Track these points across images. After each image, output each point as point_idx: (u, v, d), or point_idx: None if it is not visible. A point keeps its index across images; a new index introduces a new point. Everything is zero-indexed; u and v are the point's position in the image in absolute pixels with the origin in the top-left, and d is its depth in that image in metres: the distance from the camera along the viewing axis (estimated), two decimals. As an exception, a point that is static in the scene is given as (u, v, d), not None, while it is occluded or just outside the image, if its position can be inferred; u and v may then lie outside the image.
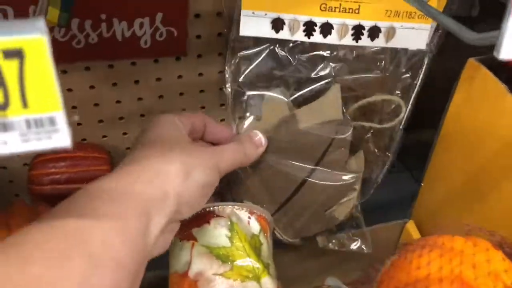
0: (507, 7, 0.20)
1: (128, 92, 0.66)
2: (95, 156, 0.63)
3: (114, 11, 0.57)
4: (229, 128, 0.51)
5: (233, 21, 0.48)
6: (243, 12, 0.43)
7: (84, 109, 0.65)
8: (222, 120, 0.73)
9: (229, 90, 0.52)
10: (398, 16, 0.41)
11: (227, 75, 0.51)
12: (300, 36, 0.44)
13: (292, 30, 0.44)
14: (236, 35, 0.46)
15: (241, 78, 0.50)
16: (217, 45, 0.65)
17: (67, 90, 0.63)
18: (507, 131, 0.41)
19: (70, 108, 0.64)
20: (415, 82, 0.46)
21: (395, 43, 0.43)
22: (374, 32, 0.43)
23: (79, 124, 0.66)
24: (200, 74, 0.67)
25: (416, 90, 0.46)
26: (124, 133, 0.70)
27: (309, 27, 0.43)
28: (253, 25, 0.44)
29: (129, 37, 0.59)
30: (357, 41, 0.44)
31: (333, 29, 0.43)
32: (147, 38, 0.60)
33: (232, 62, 0.50)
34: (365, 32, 0.43)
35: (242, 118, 0.54)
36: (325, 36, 0.43)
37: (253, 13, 0.44)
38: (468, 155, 0.47)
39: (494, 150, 0.44)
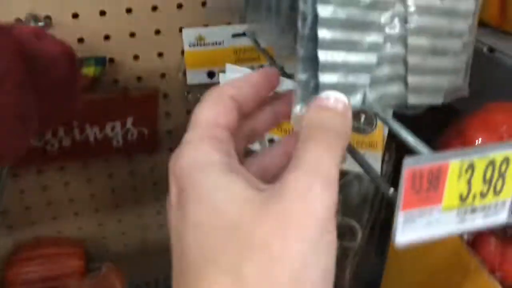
0: (396, 205, 0.22)
1: (101, 186, 0.68)
2: (69, 253, 0.64)
3: (86, 118, 0.59)
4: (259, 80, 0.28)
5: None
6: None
7: (59, 204, 0.67)
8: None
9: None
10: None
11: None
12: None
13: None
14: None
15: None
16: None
17: (41, 188, 0.64)
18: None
19: (45, 204, 0.66)
20: (373, 209, 0.47)
21: (349, 166, 0.46)
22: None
23: (54, 218, 0.68)
24: (173, 166, 0.70)
25: (372, 217, 0.48)
26: (100, 224, 0.71)
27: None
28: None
29: (101, 139, 0.62)
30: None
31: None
32: (119, 138, 0.63)
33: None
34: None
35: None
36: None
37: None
38: (417, 265, 0.48)
39: (437, 265, 0.45)
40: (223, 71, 0.64)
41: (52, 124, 0.41)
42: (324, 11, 0.26)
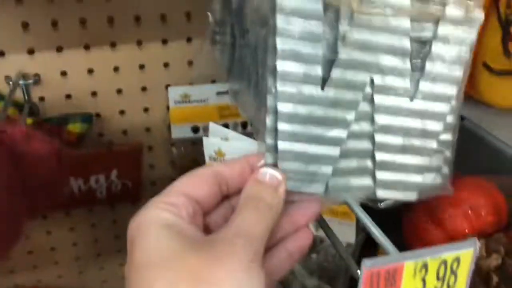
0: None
1: (84, 235, 0.68)
2: (48, 304, 0.64)
3: (71, 171, 0.60)
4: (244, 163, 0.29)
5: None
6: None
7: (40, 253, 0.67)
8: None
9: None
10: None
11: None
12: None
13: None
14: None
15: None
16: (171, 190, 0.69)
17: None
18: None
19: (26, 253, 0.66)
20: (347, 274, 0.49)
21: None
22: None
23: (34, 267, 0.68)
24: (156, 215, 0.71)
25: (347, 282, 0.49)
26: (80, 272, 0.71)
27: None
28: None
29: (85, 191, 0.63)
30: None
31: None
32: (103, 190, 0.64)
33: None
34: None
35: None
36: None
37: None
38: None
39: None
40: (207, 127, 0.66)
41: (39, 214, 0.42)
42: (284, 107, 0.28)
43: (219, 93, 0.62)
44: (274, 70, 0.28)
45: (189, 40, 0.59)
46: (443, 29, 0.29)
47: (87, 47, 0.55)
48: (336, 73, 0.28)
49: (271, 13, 0.28)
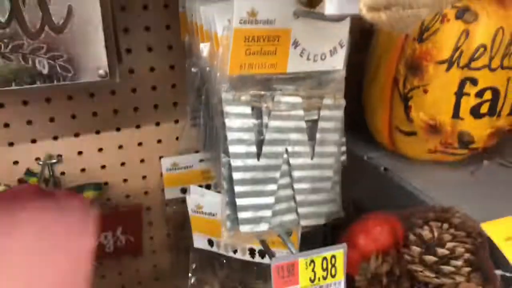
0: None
1: (95, 286, 0.82)
2: None
3: (84, 230, 0.75)
4: None
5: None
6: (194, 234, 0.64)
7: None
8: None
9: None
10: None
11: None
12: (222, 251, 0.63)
13: (218, 247, 0.63)
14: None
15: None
16: (168, 245, 0.84)
17: None
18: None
19: None
20: None
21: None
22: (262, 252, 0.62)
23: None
24: (155, 266, 0.84)
25: None
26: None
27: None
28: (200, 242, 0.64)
29: (96, 246, 0.77)
30: (253, 257, 0.62)
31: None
32: (110, 245, 0.78)
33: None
34: (256, 253, 0.62)
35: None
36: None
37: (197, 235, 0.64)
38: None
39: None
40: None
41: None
42: (237, 176, 0.43)
43: (201, 161, 0.79)
44: (226, 151, 0.43)
45: (176, 122, 0.76)
46: (323, 113, 0.45)
47: (97, 132, 0.72)
48: (265, 149, 0.43)
49: (220, 114, 0.44)
